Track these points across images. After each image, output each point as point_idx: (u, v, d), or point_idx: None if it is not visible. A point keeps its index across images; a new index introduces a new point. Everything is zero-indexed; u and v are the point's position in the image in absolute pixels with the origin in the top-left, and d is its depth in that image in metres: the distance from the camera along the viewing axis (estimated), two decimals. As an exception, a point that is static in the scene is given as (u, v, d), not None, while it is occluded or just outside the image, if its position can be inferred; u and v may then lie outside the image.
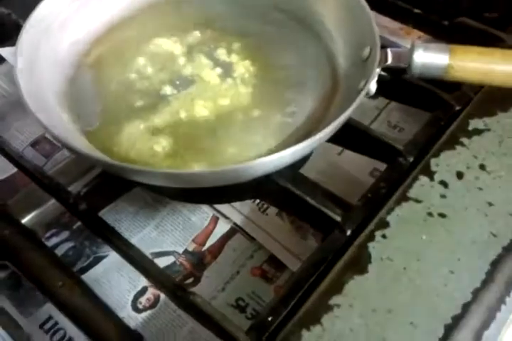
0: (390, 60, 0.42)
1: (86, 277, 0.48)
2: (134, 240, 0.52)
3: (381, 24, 0.65)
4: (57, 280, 0.39)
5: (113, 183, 0.43)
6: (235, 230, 0.53)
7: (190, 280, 0.50)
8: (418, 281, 0.35)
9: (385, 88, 0.44)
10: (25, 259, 0.40)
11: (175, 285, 0.38)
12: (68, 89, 0.49)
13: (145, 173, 0.38)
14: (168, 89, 0.48)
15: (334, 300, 0.34)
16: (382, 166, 0.55)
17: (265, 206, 0.55)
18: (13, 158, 0.45)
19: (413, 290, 0.34)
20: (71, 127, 0.46)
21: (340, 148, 0.58)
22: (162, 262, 0.51)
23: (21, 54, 0.44)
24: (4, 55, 0.66)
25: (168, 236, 0.53)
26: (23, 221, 0.45)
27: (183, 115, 0.46)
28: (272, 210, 0.54)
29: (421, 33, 0.66)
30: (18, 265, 0.40)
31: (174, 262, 0.51)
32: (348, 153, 0.57)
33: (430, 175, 0.40)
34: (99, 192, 0.43)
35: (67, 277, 0.39)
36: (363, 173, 0.57)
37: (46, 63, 0.47)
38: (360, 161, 0.56)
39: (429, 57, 0.41)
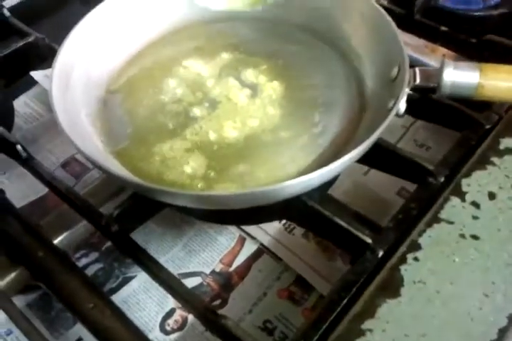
0: (418, 80, 0.42)
1: (115, 298, 0.48)
2: (162, 260, 0.52)
3: (404, 41, 0.65)
4: (88, 302, 0.39)
5: (144, 205, 0.43)
6: (261, 251, 0.53)
7: (218, 301, 0.50)
8: (452, 305, 0.34)
9: (412, 107, 0.44)
10: (59, 281, 0.40)
11: (204, 308, 0.38)
12: (100, 111, 0.50)
13: (175, 195, 0.38)
14: (197, 111, 0.49)
15: (366, 324, 0.33)
16: (409, 186, 0.55)
17: (292, 226, 0.54)
18: (46, 179, 0.46)
19: (447, 314, 0.34)
20: (102, 148, 0.46)
21: (366, 168, 0.58)
22: (190, 283, 0.51)
23: (56, 77, 0.45)
24: (37, 77, 0.68)
25: (195, 256, 0.53)
26: (55, 242, 0.45)
27: (212, 136, 0.47)
28: (299, 230, 0.54)
29: (445, 50, 0.66)
30: (51, 287, 0.41)
31: (201, 283, 0.51)
32: (374, 173, 0.57)
33: (461, 195, 0.40)
34: (131, 214, 0.43)
35: (98, 299, 0.40)
36: (389, 193, 0.57)
37: (79, 86, 0.49)
38: (386, 181, 0.55)
39: (459, 77, 0.41)
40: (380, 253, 0.38)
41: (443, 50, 0.67)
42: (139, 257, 0.42)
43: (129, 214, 0.43)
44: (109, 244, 0.53)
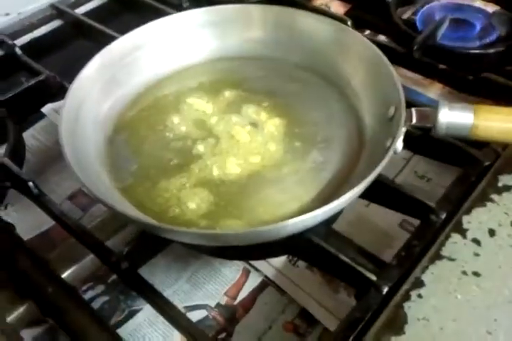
0: (414, 120, 0.44)
1: (121, 332, 0.49)
2: (167, 293, 0.52)
3: (404, 75, 0.67)
4: (97, 338, 0.40)
5: (153, 241, 0.44)
6: (266, 283, 0.54)
7: (223, 335, 0.50)
8: (456, 343, 0.35)
9: (412, 143, 0.46)
10: (68, 317, 0.41)
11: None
12: (107, 148, 0.51)
13: (179, 233, 0.39)
14: (201, 148, 0.50)
15: (372, 362, 0.34)
16: (411, 218, 0.56)
17: (296, 259, 0.55)
18: (56, 216, 0.47)
19: (451, 353, 0.34)
20: (108, 184, 0.48)
21: (368, 200, 0.59)
22: (195, 316, 0.51)
23: (65, 115, 0.47)
24: (45, 111, 0.70)
25: (200, 289, 0.53)
26: (63, 276, 0.46)
27: (216, 173, 0.48)
28: (303, 263, 0.54)
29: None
30: (60, 322, 0.41)
31: (207, 316, 0.51)
32: (376, 205, 0.58)
33: (462, 232, 0.41)
34: (140, 251, 0.44)
35: (108, 334, 0.40)
36: (392, 225, 0.58)
37: (87, 124, 0.50)
38: (388, 213, 0.56)
39: (454, 118, 0.42)
40: (385, 290, 0.39)
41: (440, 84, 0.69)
42: (146, 292, 0.43)
43: (138, 251, 0.44)
44: (114, 276, 0.54)
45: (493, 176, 0.45)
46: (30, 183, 0.49)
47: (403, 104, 0.44)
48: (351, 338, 0.36)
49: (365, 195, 0.43)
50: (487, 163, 0.47)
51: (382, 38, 0.74)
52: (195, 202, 0.46)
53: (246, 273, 0.55)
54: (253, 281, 0.54)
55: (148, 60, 0.57)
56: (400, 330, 0.35)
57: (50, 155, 0.68)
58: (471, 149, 0.48)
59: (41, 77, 0.59)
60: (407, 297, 0.37)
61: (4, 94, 0.58)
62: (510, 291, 0.37)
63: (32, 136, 0.70)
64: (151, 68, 0.58)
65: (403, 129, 0.43)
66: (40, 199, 0.49)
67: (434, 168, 0.63)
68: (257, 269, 0.54)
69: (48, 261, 0.46)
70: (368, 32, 0.73)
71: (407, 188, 0.46)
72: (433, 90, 0.70)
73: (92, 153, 0.49)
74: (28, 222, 0.59)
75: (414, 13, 0.73)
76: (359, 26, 0.68)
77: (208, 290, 0.53)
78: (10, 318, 0.42)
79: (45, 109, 0.70)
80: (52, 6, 0.72)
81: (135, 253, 0.43)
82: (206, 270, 0.55)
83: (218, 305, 0.52)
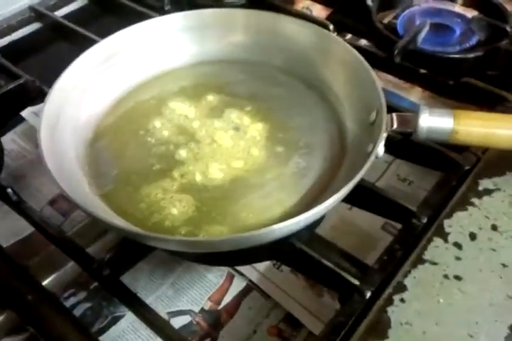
0: (395, 125, 0.44)
1: (104, 338, 0.48)
2: (151, 299, 0.52)
3: (385, 78, 0.68)
4: (79, 347, 0.39)
5: (135, 248, 0.44)
6: (250, 287, 0.54)
7: (207, 340, 0.50)
8: (438, 346, 0.35)
9: (393, 147, 0.46)
10: (48, 325, 0.40)
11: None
12: (87, 152, 0.51)
13: (161, 240, 0.39)
14: (183, 153, 0.50)
15: (356, 367, 0.34)
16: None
17: (280, 263, 0.55)
18: (36, 223, 0.47)
19: (434, 356, 0.35)
20: (89, 190, 0.47)
21: (351, 203, 0.59)
22: (179, 322, 0.51)
23: (45, 119, 0.46)
24: (24, 115, 0.69)
25: (184, 294, 0.53)
26: (44, 283, 0.45)
27: (198, 178, 0.48)
28: (287, 267, 0.55)
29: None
30: (41, 330, 0.41)
31: (191, 321, 0.51)
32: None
33: (444, 236, 0.41)
34: (122, 258, 0.44)
35: (89, 343, 0.40)
36: (374, 227, 0.58)
37: (67, 128, 0.50)
38: (371, 215, 0.56)
39: (434, 122, 0.43)
40: (368, 295, 0.39)
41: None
42: (128, 299, 0.42)
43: (120, 258, 0.43)
44: (97, 283, 0.53)
45: (473, 180, 0.46)
46: (9, 190, 0.48)
47: (384, 109, 0.44)
48: (336, 342, 0.36)
49: (347, 199, 0.43)
50: (467, 167, 0.48)
51: (363, 42, 0.74)
52: (177, 208, 0.45)
53: (230, 278, 0.54)
54: (237, 286, 0.54)
55: (129, 64, 0.57)
56: (383, 335, 0.36)
57: (30, 159, 0.67)
58: (452, 153, 0.49)
59: (20, 81, 0.59)
60: (390, 301, 0.38)
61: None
62: (491, 294, 0.38)
63: (11, 140, 0.69)
64: (131, 72, 0.57)
65: (384, 134, 0.43)
66: (19, 206, 0.48)
67: (416, 171, 0.64)
68: (241, 273, 0.54)
69: (27, 268, 0.46)
70: (349, 36, 0.74)
71: (389, 192, 0.47)
72: (414, 94, 0.71)
73: (72, 158, 0.48)
74: (7, 228, 0.58)
75: (395, 17, 0.74)
76: (341, 30, 0.68)
77: (191, 296, 0.53)
78: (-11, 327, 0.41)
79: (25, 112, 0.68)
80: (31, 8, 0.71)
81: (116, 260, 0.43)
82: (190, 275, 0.55)
83: (202, 310, 0.52)
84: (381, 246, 0.55)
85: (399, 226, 0.55)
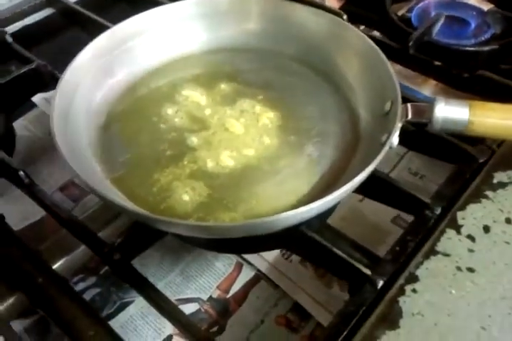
0: (410, 115, 0.44)
1: (112, 324, 0.48)
2: (160, 286, 0.52)
3: (398, 72, 0.67)
4: (89, 330, 0.39)
5: (146, 233, 0.44)
6: (258, 277, 0.54)
7: (215, 328, 0.50)
8: (449, 338, 0.35)
9: (407, 139, 0.46)
10: (59, 308, 0.41)
11: (203, 337, 0.38)
12: (99, 138, 0.50)
13: (172, 224, 0.39)
14: (194, 139, 0.50)
15: (367, 356, 0.34)
16: (404, 214, 0.56)
17: (289, 253, 0.55)
18: (47, 206, 0.47)
19: (445, 347, 0.35)
20: (101, 174, 0.47)
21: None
22: (187, 309, 0.51)
23: (58, 104, 0.46)
24: (36, 101, 0.69)
25: (192, 282, 0.53)
26: (54, 267, 0.45)
27: (210, 165, 0.47)
28: (296, 257, 0.55)
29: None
30: (51, 313, 0.41)
31: (199, 309, 0.51)
32: (369, 201, 0.58)
33: (457, 228, 0.41)
34: (133, 242, 0.44)
35: (99, 326, 0.40)
36: (385, 220, 0.58)
37: (80, 113, 0.49)
38: (382, 208, 0.56)
39: (450, 113, 0.42)
40: (379, 285, 0.38)
41: (433, 81, 0.69)
42: (138, 284, 0.42)
43: (131, 243, 0.43)
44: (106, 268, 0.53)
45: (487, 173, 0.45)
46: (21, 172, 0.48)
47: (399, 99, 0.44)
48: (345, 332, 0.36)
49: (359, 190, 0.43)
50: (482, 160, 0.47)
51: (376, 33, 0.74)
52: (189, 194, 0.45)
53: (239, 267, 0.54)
54: (246, 275, 0.54)
55: (141, 51, 0.56)
56: (394, 324, 0.36)
57: (40, 145, 0.67)
58: (466, 146, 0.48)
59: (32, 66, 0.58)
60: (401, 292, 0.37)
61: (-6, 82, 0.57)
62: (504, 287, 0.38)
63: (22, 127, 0.69)
64: (143, 58, 0.57)
65: (399, 124, 0.43)
66: (31, 189, 0.48)
67: (428, 165, 0.63)
68: (250, 263, 0.54)
69: (38, 252, 0.46)
70: (362, 27, 0.73)
71: (402, 184, 0.46)
72: (426, 88, 0.71)
73: (84, 143, 0.48)
74: (17, 212, 0.59)
75: (409, 10, 0.73)
76: (353, 21, 0.67)
77: (200, 284, 0.53)
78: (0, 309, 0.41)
79: (36, 98, 0.69)
80: (44, -6, 0.71)
81: (127, 244, 0.43)
82: (199, 263, 0.55)
83: (210, 298, 0.52)
84: (391, 239, 0.55)
85: (409, 219, 0.55)
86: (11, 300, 0.43)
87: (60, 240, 0.48)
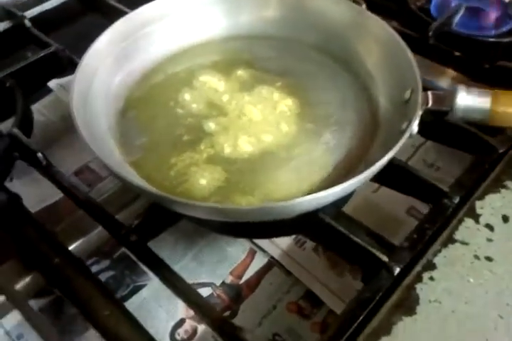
0: (431, 103, 0.43)
1: (126, 306, 0.49)
2: (174, 270, 0.52)
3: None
4: (104, 309, 0.40)
5: (162, 215, 0.44)
6: (271, 264, 0.54)
7: (227, 313, 0.50)
8: (467, 325, 0.35)
9: (425, 128, 0.45)
10: (75, 288, 0.41)
11: (221, 319, 0.39)
12: (117, 122, 0.51)
13: (190, 206, 0.38)
14: (212, 125, 0.50)
15: (383, 341, 0.34)
16: (419, 205, 0.56)
17: (302, 240, 0.55)
18: (65, 187, 0.47)
19: (463, 334, 0.34)
20: (119, 157, 0.47)
21: (376, 185, 0.58)
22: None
23: (76, 88, 0.46)
24: (52, 86, 0.69)
25: (205, 267, 0.53)
26: (70, 248, 0.46)
27: (227, 150, 0.47)
28: (309, 245, 0.54)
29: (454, 73, 0.67)
30: (67, 293, 0.41)
31: (212, 294, 0.51)
32: (384, 191, 0.58)
33: (476, 217, 0.41)
34: (150, 224, 0.44)
35: (114, 306, 0.40)
36: (399, 211, 0.57)
37: (99, 97, 0.49)
38: (396, 199, 0.56)
39: (472, 102, 0.42)
40: (396, 272, 0.38)
41: (452, 73, 0.69)
42: (155, 265, 0.42)
43: (147, 225, 0.44)
44: (120, 252, 0.53)
45: (507, 163, 0.45)
46: (39, 154, 0.48)
47: (420, 86, 0.43)
48: (362, 317, 0.36)
49: (377, 178, 0.43)
50: (502, 150, 0.47)
51: (394, 24, 0.73)
52: (206, 178, 0.45)
53: (252, 254, 0.54)
54: (259, 261, 0.54)
55: (159, 36, 0.56)
56: (411, 311, 0.35)
57: (55, 130, 0.67)
58: (486, 136, 0.48)
59: (50, 50, 0.59)
60: (419, 279, 0.37)
61: (13, 65, 0.57)
62: (522, 277, 0.37)
63: (38, 112, 0.69)
64: (161, 44, 0.57)
65: (419, 112, 0.42)
66: (48, 171, 0.49)
67: (444, 156, 0.63)
68: (263, 250, 0.54)
69: (54, 233, 0.46)
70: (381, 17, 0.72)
71: (421, 172, 0.46)
72: (444, 80, 0.70)
73: (103, 127, 0.48)
74: (33, 195, 0.59)
75: (429, 1, 0.72)
76: (372, 11, 0.67)
77: (213, 269, 0.53)
78: (17, 287, 0.42)
79: (52, 84, 0.69)
80: (63, -22, 0.71)
81: (144, 226, 0.43)
82: (212, 249, 0.55)
83: (223, 283, 0.52)
84: (405, 230, 0.54)
85: (424, 210, 0.55)
86: (27, 279, 0.43)
87: (75, 222, 0.49)
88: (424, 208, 0.56)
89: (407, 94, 0.46)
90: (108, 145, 0.47)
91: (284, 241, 0.54)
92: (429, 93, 0.44)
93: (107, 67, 0.52)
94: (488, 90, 0.43)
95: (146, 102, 0.53)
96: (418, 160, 0.63)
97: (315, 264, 0.53)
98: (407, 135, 0.40)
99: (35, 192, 0.58)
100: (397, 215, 0.57)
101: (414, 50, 0.61)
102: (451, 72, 0.68)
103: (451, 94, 0.42)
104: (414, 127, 0.42)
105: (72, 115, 0.43)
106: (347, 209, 0.52)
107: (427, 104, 0.43)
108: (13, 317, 0.47)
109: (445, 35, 0.61)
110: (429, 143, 0.64)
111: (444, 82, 0.70)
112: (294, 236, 0.55)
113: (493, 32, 0.63)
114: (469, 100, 0.42)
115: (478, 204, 0.42)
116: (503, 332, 0.34)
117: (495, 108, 0.41)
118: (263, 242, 0.55)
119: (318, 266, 0.53)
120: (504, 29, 0.63)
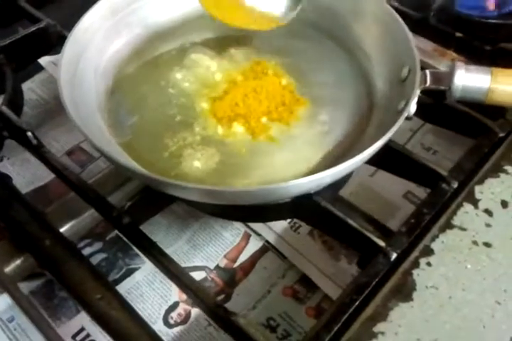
0: (429, 82, 0.42)
1: (118, 289, 0.48)
2: (167, 253, 0.52)
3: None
4: (95, 293, 0.39)
5: (155, 198, 0.43)
6: (266, 248, 0.53)
7: (221, 296, 0.50)
8: (464, 311, 0.34)
9: (424, 111, 0.44)
10: (66, 270, 0.40)
11: (214, 303, 0.38)
12: (107, 101, 0.49)
13: (184, 188, 0.38)
14: (204, 105, 0.48)
15: (379, 327, 0.34)
16: (415, 189, 0.55)
17: (297, 225, 0.54)
18: (56, 168, 0.46)
19: (459, 320, 0.34)
20: (109, 137, 0.46)
21: (372, 169, 0.58)
22: (194, 277, 0.50)
23: (65, 65, 0.44)
24: (43, 63, 0.67)
25: (200, 250, 0.53)
26: (61, 230, 0.45)
27: (220, 131, 0.46)
28: (304, 229, 0.54)
29: (454, 55, 0.66)
30: (58, 276, 0.41)
31: (206, 277, 0.51)
32: (381, 175, 0.57)
33: (474, 202, 0.40)
34: (142, 207, 0.43)
35: (106, 290, 0.40)
36: (396, 196, 0.57)
37: (87, 75, 0.48)
38: (393, 183, 0.56)
39: (470, 80, 0.41)
40: (393, 257, 0.38)
41: (452, 55, 0.67)
42: (147, 248, 0.42)
43: (139, 207, 0.43)
44: (113, 234, 0.53)
45: (507, 148, 0.44)
46: (29, 133, 0.47)
47: (418, 65, 0.42)
48: (358, 302, 0.35)
49: (374, 162, 0.42)
50: (502, 135, 0.46)
51: (394, 3, 0.71)
52: (200, 161, 0.44)
53: (247, 237, 0.54)
54: (254, 245, 0.53)
55: (149, 11, 0.54)
56: (408, 297, 0.35)
57: (48, 109, 0.66)
58: (486, 120, 0.47)
59: (41, 25, 0.57)
60: (416, 264, 0.37)
61: (3, 40, 0.55)
62: (521, 263, 0.37)
63: (30, 89, 0.68)
64: (152, 20, 0.55)
65: (417, 91, 0.41)
66: (39, 151, 0.47)
67: (441, 140, 0.62)
68: (258, 234, 0.54)
69: (44, 214, 0.45)
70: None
71: (419, 156, 0.45)
72: (444, 62, 0.69)
73: (93, 107, 0.47)
74: (23, 176, 0.58)
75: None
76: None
77: (207, 252, 0.53)
78: (7, 270, 0.41)
79: (44, 61, 0.67)
80: (54, -47, 0.69)
81: (137, 208, 0.42)
82: (206, 232, 0.54)
83: (217, 267, 0.52)
84: (402, 214, 0.54)
85: (421, 195, 0.54)
86: (18, 262, 0.43)
87: (66, 205, 0.48)
88: (421, 193, 0.55)
89: (404, 73, 0.45)
90: (98, 126, 0.46)
91: (279, 225, 0.54)
92: (427, 71, 0.43)
93: (95, 44, 0.50)
94: (488, 68, 0.41)
95: (136, 81, 0.51)
96: (416, 143, 0.62)
97: (310, 249, 0.52)
98: (404, 115, 0.40)
99: (26, 173, 0.57)
100: (393, 200, 0.57)
101: (415, 30, 0.60)
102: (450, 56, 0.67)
103: (450, 73, 0.41)
104: (412, 107, 0.42)
105: (60, 93, 0.42)
106: (343, 193, 0.52)
107: (425, 82, 0.42)
108: (4, 300, 0.46)
109: (446, 15, 0.59)
110: (427, 127, 0.63)
111: (443, 65, 0.69)
112: (289, 220, 0.54)
113: (495, 13, 0.62)
114: (468, 79, 0.41)
115: (477, 188, 0.41)
116: (501, 318, 0.34)
117: (494, 86, 0.40)
118: (258, 226, 0.54)
119: (313, 250, 0.52)
120: (507, 10, 0.62)
